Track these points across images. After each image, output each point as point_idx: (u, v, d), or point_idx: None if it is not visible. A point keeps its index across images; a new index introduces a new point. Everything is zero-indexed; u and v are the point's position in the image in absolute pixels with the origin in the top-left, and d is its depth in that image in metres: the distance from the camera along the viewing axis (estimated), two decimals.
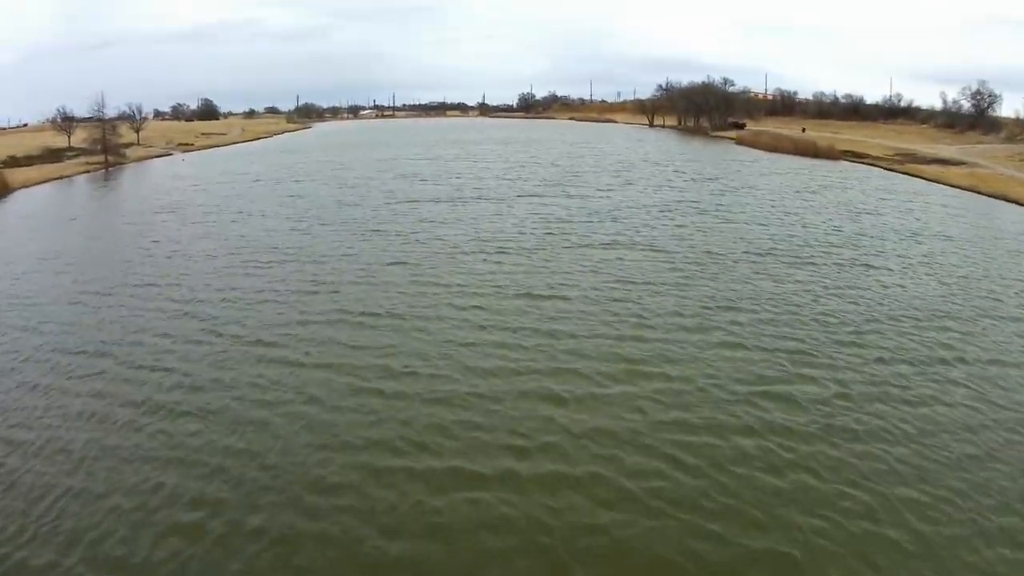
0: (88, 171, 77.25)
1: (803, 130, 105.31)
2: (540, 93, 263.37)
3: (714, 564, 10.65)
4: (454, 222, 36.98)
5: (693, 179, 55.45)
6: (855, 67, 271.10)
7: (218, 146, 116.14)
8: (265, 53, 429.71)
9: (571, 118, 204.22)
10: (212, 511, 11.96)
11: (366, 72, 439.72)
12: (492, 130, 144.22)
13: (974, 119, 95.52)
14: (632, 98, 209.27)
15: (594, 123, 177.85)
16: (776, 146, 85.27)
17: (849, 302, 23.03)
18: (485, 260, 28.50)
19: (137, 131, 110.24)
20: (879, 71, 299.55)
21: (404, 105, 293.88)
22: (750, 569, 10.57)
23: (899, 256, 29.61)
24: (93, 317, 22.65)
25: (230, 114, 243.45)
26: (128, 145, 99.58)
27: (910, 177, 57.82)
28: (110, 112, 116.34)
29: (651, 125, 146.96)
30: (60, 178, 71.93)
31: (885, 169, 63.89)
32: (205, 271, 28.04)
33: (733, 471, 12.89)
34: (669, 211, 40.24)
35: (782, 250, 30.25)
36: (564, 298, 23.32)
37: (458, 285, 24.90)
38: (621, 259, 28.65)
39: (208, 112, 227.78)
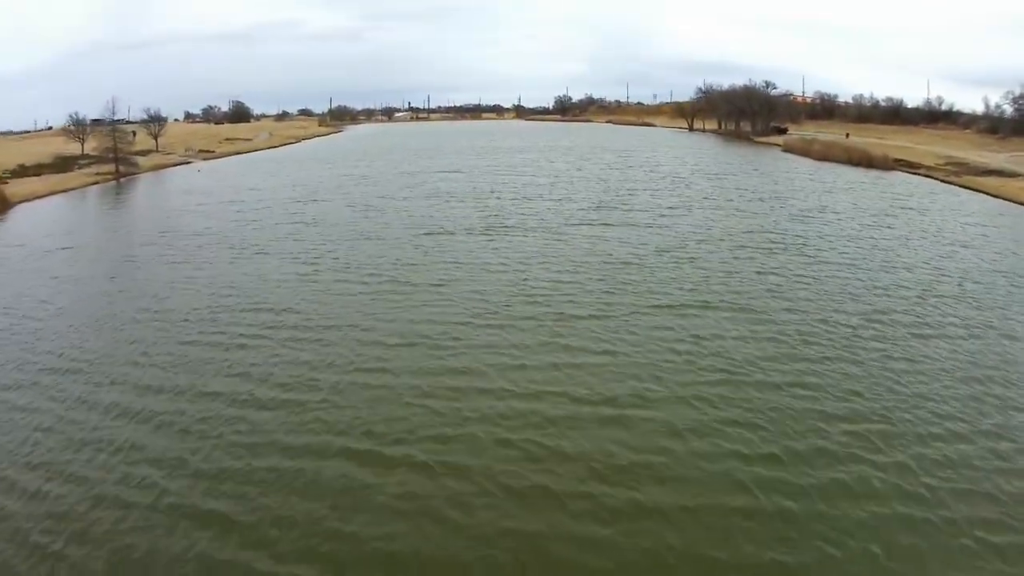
0: (97, 182, 72.16)
1: (847, 135, 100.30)
2: (576, 95, 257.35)
3: None
4: (495, 267, 29.67)
5: (759, 199, 48.14)
6: (891, 68, 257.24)
7: (241, 153, 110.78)
8: (301, 54, 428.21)
9: (609, 121, 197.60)
10: None
11: (402, 73, 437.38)
12: (530, 135, 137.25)
13: (1018, 124, 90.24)
14: (669, 100, 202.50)
15: (632, 127, 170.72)
16: (827, 155, 79.12)
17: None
18: (541, 340, 20.90)
19: (155, 137, 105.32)
20: (916, 72, 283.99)
21: (439, 107, 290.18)
22: None
23: None
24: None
25: (262, 116, 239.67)
26: (146, 152, 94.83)
27: (974, 192, 53.82)
28: (136, 115, 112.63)
29: (691, 129, 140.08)
30: (66, 191, 66.79)
31: (942, 181, 60.98)
32: (169, 351, 21.09)
33: None
34: (747, 247, 32.84)
35: (900, 311, 23.47)
36: (647, 407, 16.26)
37: (505, 393, 17.29)
38: (716, 332, 21.20)
39: (239, 115, 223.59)
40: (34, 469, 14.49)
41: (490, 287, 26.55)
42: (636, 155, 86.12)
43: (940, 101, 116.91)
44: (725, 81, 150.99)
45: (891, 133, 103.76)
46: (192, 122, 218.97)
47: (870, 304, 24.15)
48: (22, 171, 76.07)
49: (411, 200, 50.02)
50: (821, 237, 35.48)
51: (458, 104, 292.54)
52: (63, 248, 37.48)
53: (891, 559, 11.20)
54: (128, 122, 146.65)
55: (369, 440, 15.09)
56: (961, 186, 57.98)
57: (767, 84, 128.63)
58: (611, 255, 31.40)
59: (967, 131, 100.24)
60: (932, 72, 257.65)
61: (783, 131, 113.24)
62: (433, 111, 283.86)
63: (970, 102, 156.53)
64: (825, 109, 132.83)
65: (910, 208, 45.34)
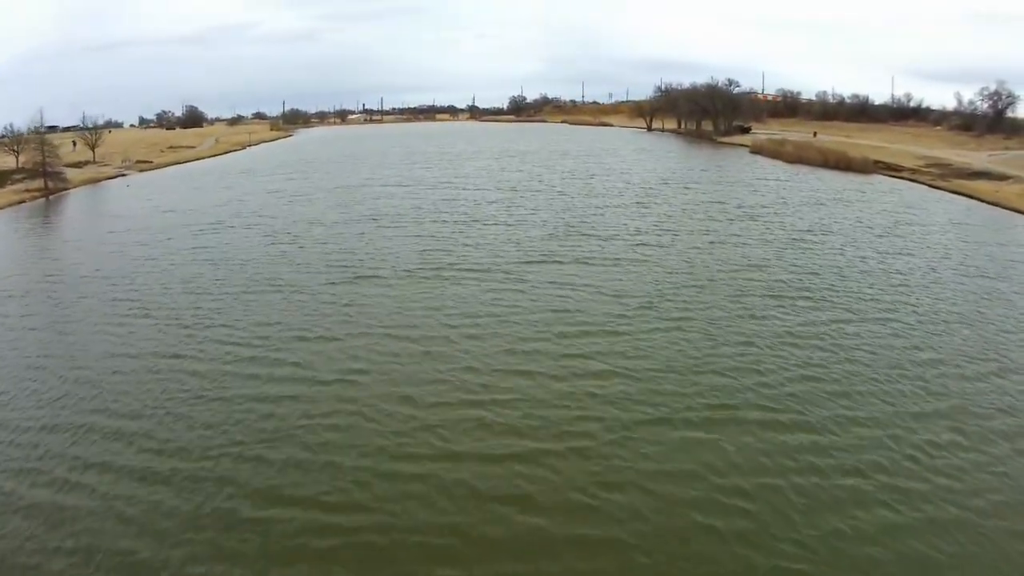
0: (24, 200, 62.90)
1: (815, 134, 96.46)
2: (531, 95, 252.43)
3: None
4: (429, 342, 22.16)
5: (749, 217, 42.70)
6: (853, 64, 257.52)
7: (180, 163, 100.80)
8: (256, 57, 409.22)
9: (564, 121, 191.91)
10: None
11: (357, 75, 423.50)
12: (483, 138, 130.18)
13: (992, 121, 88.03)
14: (625, 99, 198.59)
15: (589, 127, 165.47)
16: (801, 157, 73.97)
17: None
18: (492, 476, 14.27)
19: (92, 147, 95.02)
20: (879, 68, 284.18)
21: (393, 109, 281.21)
22: None
23: None
24: None
25: (216, 120, 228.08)
26: (83, 164, 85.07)
27: (968, 199, 50.55)
28: (78, 122, 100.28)
29: (649, 129, 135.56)
30: None
31: (929, 186, 57.54)
32: None
33: None
34: (754, 296, 26.59)
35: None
36: None
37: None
38: (741, 458, 14.73)
39: (192, 119, 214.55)
40: None
41: (416, 389, 18.75)
42: (597, 160, 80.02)
43: (909, 98, 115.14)
44: (683, 79, 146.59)
45: (858, 131, 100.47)
46: (147, 127, 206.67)
47: (921, 368, 18.55)
48: None
49: (341, 226, 42.58)
50: (830, 271, 30.00)
51: (412, 105, 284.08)
52: None
53: None
54: (67, 129, 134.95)
55: None
56: (952, 191, 54.24)
57: (730, 82, 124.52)
58: (583, 313, 24.58)
59: (938, 128, 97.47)
60: (896, 68, 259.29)
61: (747, 130, 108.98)
62: (387, 112, 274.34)
63: (937, 98, 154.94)
64: (788, 107, 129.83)
65: (909, 222, 41.01)
